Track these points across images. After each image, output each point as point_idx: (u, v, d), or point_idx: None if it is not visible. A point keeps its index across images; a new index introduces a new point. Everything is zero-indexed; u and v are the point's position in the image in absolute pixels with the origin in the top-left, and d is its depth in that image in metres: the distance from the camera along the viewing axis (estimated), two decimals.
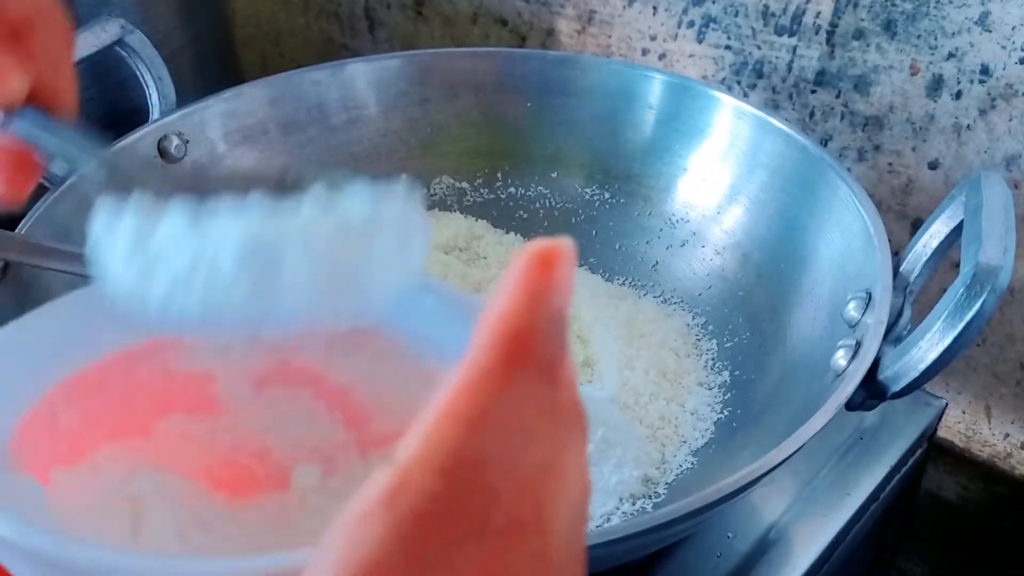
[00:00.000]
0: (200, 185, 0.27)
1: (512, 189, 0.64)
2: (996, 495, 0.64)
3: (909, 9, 0.54)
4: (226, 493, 0.30)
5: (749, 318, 0.52)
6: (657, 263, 0.59)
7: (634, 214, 0.60)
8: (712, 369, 0.52)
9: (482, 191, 0.64)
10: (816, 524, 0.46)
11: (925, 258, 0.43)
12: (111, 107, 0.63)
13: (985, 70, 0.53)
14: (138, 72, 0.57)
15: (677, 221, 0.58)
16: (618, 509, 0.45)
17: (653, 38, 0.67)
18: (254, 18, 0.97)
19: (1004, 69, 0.52)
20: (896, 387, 0.38)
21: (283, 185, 0.27)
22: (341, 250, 0.26)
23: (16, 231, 0.47)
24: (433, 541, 0.16)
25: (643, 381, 0.50)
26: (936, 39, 0.54)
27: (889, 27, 0.56)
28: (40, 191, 0.50)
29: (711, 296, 0.55)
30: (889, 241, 0.43)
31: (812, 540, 0.46)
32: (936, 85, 0.55)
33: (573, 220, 0.62)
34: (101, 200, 0.26)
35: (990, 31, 0.52)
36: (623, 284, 0.58)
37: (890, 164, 0.59)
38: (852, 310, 0.42)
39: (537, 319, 0.17)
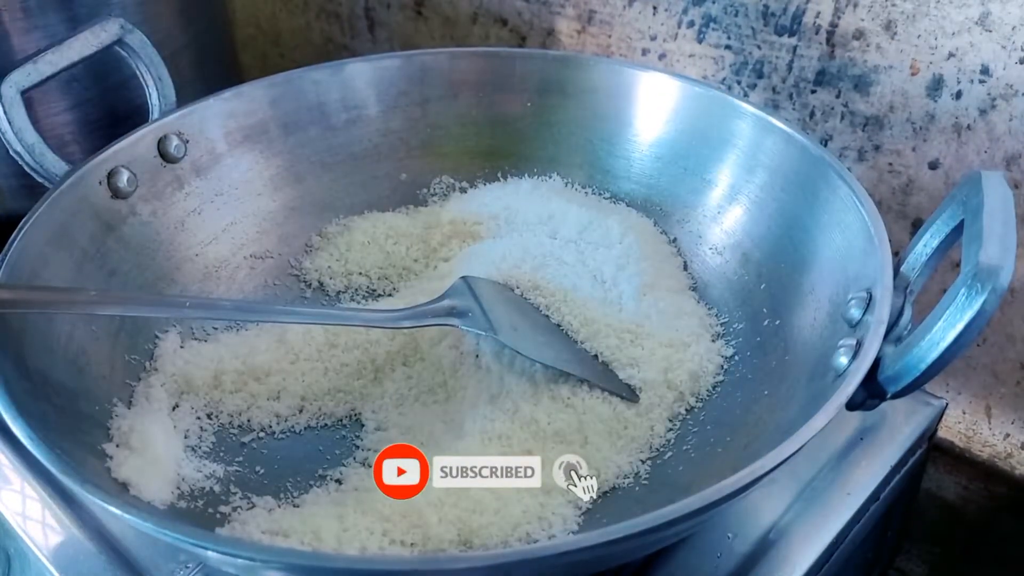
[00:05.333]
0: None
1: None
2: (996, 495, 0.64)
3: (909, 9, 0.54)
4: None
5: (749, 318, 0.52)
6: None
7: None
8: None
9: None
10: (816, 524, 0.46)
11: (925, 258, 0.43)
12: (111, 107, 0.63)
13: (985, 70, 0.53)
14: (138, 72, 0.57)
15: (677, 221, 0.58)
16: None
17: (653, 38, 0.67)
18: (254, 18, 0.97)
19: (1004, 69, 0.52)
20: (897, 387, 0.38)
21: None
22: None
23: None
24: None
25: (644, 381, 0.50)
26: (936, 39, 0.54)
27: (889, 27, 0.56)
28: (40, 191, 0.50)
29: (711, 296, 0.55)
30: (889, 241, 0.43)
31: (812, 540, 0.45)
32: (936, 85, 0.55)
33: None
34: None
35: (990, 31, 0.52)
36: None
37: (890, 164, 0.59)
38: (852, 310, 0.42)
39: None
